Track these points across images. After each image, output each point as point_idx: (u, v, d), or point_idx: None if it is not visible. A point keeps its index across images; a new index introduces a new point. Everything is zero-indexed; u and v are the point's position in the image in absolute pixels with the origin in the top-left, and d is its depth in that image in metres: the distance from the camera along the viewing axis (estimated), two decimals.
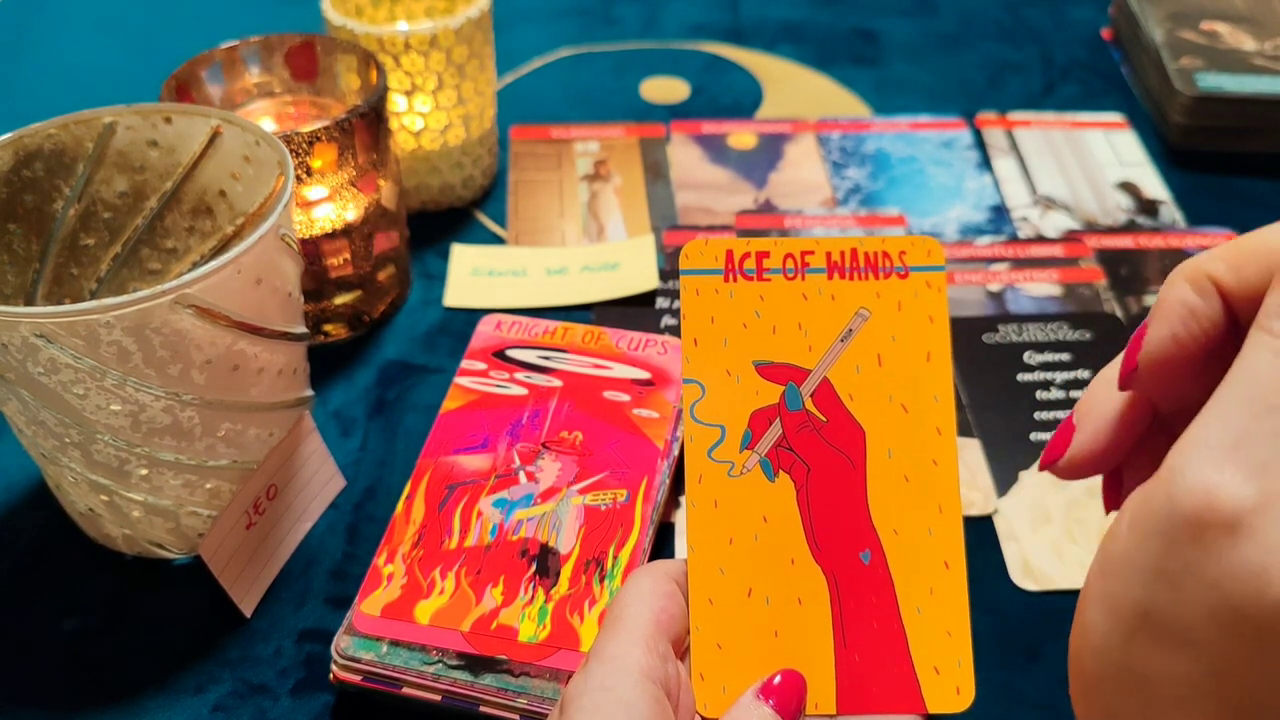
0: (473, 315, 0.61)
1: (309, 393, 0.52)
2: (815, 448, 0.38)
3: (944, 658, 0.37)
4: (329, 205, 0.58)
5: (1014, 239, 0.71)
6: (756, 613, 0.37)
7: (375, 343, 0.63)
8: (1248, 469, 0.24)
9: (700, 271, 0.39)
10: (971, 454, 0.56)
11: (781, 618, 0.37)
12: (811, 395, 0.38)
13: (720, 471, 0.38)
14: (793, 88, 0.86)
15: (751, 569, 0.37)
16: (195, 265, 0.54)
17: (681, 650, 0.37)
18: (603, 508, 0.48)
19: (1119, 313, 0.65)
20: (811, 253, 0.38)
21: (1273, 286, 0.26)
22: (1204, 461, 0.25)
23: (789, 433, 0.38)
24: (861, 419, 0.38)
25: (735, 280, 0.38)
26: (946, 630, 0.37)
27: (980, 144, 0.79)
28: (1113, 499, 0.33)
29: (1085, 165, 0.77)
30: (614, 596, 0.36)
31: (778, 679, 0.36)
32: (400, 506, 0.48)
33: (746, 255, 0.38)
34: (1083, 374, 0.61)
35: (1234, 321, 0.29)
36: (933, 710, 0.37)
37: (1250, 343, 0.26)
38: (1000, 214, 0.73)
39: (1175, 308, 0.29)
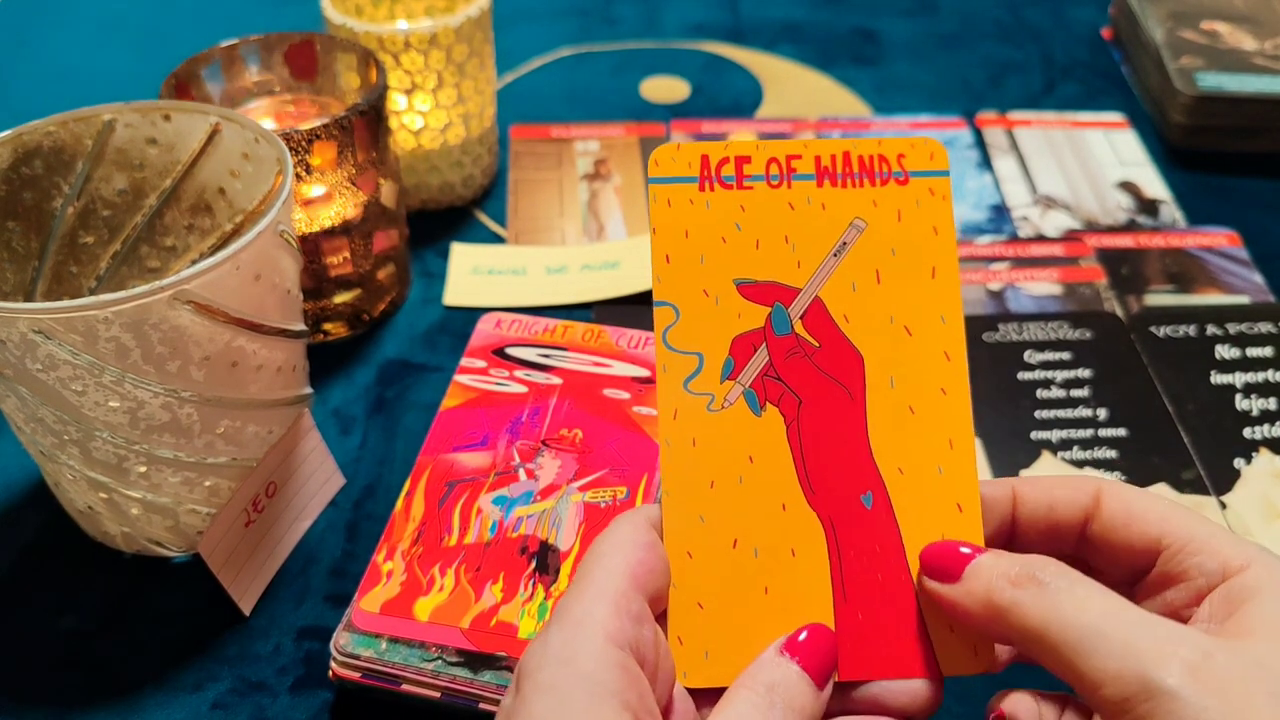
0: (472, 314, 0.61)
1: (308, 390, 0.52)
2: (807, 377, 0.33)
3: None
4: (328, 203, 0.58)
5: (1014, 238, 0.71)
6: (743, 566, 0.33)
7: (375, 341, 0.63)
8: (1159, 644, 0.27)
9: (672, 180, 0.34)
10: None
11: (772, 571, 0.33)
12: (801, 317, 0.34)
13: (698, 405, 0.33)
14: (793, 87, 0.86)
15: (736, 516, 0.33)
16: (194, 263, 0.54)
17: (662, 607, 0.33)
18: (603, 505, 0.48)
19: (1119, 312, 0.65)
20: (799, 157, 0.34)
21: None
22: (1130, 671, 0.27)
23: (776, 360, 0.33)
24: (859, 343, 0.33)
25: (712, 189, 0.34)
26: None
27: (980, 143, 0.79)
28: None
29: (1085, 165, 0.77)
30: (591, 545, 0.32)
31: (804, 634, 0.32)
32: (400, 504, 0.48)
33: (725, 160, 0.34)
34: (1083, 373, 0.60)
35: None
36: (948, 673, 0.33)
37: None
38: (1001, 213, 0.73)
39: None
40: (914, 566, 0.33)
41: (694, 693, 0.32)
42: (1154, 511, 0.32)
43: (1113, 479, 0.34)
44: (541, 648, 0.29)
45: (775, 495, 0.33)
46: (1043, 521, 0.34)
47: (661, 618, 0.33)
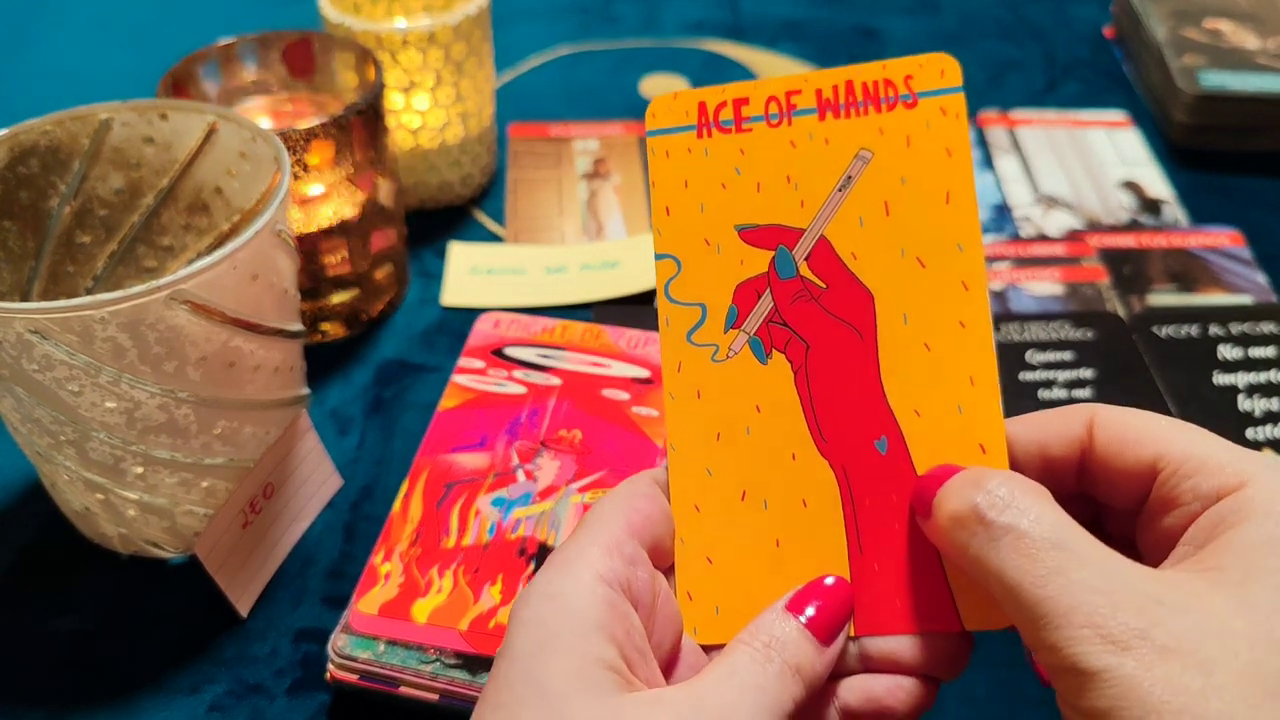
0: (471, 314, 0.60)
1: (305, 391, 0.52)
2: (814, 320, 0.32)
3: None
4: (326, 203, 0.58)
5: (1016, 238, 0.70)
6: (753, 519, 0.31)
7: (373, 341, 0.63)
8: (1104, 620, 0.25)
9: (669, 130, 0.33)
10: None
11: (783, 523, 0.31)
12: (806, 258, 0.32)
13: (703, 356, 0.32)
14: None
15: (745, 468, 0.32)
16: (191, 263, 0.53)
17: (667, 561, 0.32)
18: None
19: (1121, 312, 0.65)
20: (798, 92, 0.32)
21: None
22: (1089, 646, 0.25)
23: (781, 305, 0.32)
24: (868, 281, 0.32)
25: (710, 135, 0.33)
26: None
27: (982, 142, 0.79)
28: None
29: (1088, 164, 0.77)
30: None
31: (814, 589, 0.30)
32: (398, 505, 0.48)
33: (722, 105, 0.32)
34: (1085, 373, 0.60)
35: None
36: (970, 627, 0.31)
37: (971, 557, 0.28)
38: (1003, 213, 0.73)
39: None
40: None
41: (707, 649, 0.31)
42: (1150, 432, 0.30)
43: (1107, 404, 0.31)
44: (529, 588, 0.29)
45: (784, 445, 0.32)
46: (1037, 460, 0.31)
47: (670, 573, 0.32)
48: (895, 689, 0.31)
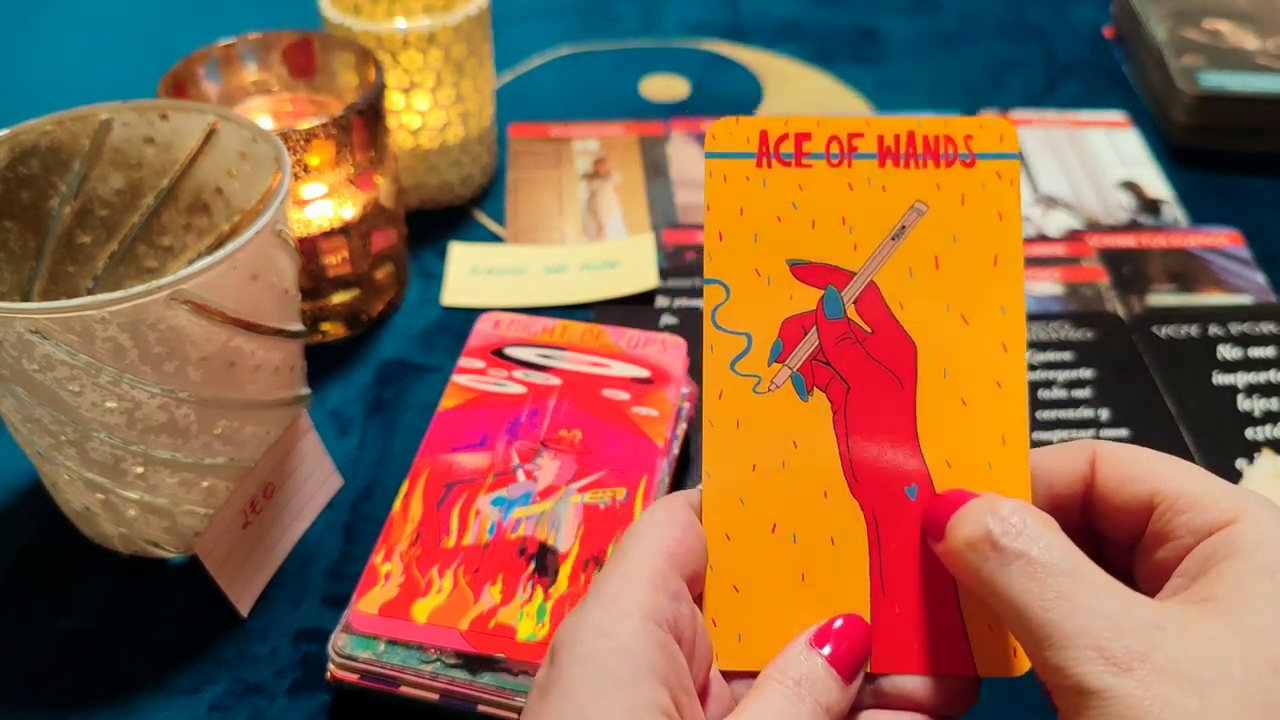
0: (471, 314, 0.60)
1: (306, 391, 0.52)
2: (857, 363, 0.32)
3: None
4: (327, 203, 0.58)
5: None
6: (781, 552, 0.32)
7: (373, 341, 0.63)
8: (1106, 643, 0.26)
9: (729, 155, 0.33)
10: None
11: (810, 558, 0.32)
12: (855, 302, 0.33)
13: (745, 386, 0.32)
14: (793, 86, 0.86)
15: (777, 501, 0.32)
16: (192, 263, 0.53)
17: (699, 589, 0.32)
18: (602, 506, 0.48)
19: (1121, 312, 0.65)
20: (860, 135, 0.33)
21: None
22: (1088, 666, 0.26)
23: (827, 344, 0.32)
24: (913, 331, 0.32)
25: (769, 166, 0.33)
26: None
27: None
28: None
29: (1087, 164, 0.77)
30: (627, 528, 0.32)
31: (838, 623, 0.31)
32: (398, 505, 0.48)
33: (784, 137, 0.33)
34: (1085, 373, 0.60)
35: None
36: (984, 674, 0.32)
37: (984, 580, 0.29)
38: None
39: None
40: None
41: (727, 675, 0.32)
42: (1147, 469, 0.31)
43: (1109, 440, 0.32)
44: (578, 621, 0.29)
45: (818, 482, 0.32)
46: (1045, 494, 0.32)
47: (699, 600, 0.32)
48: None
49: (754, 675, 0.31)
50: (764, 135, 0.33)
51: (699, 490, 0.33)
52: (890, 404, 0.32)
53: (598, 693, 0.27)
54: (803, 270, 0.33)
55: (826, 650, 0.31)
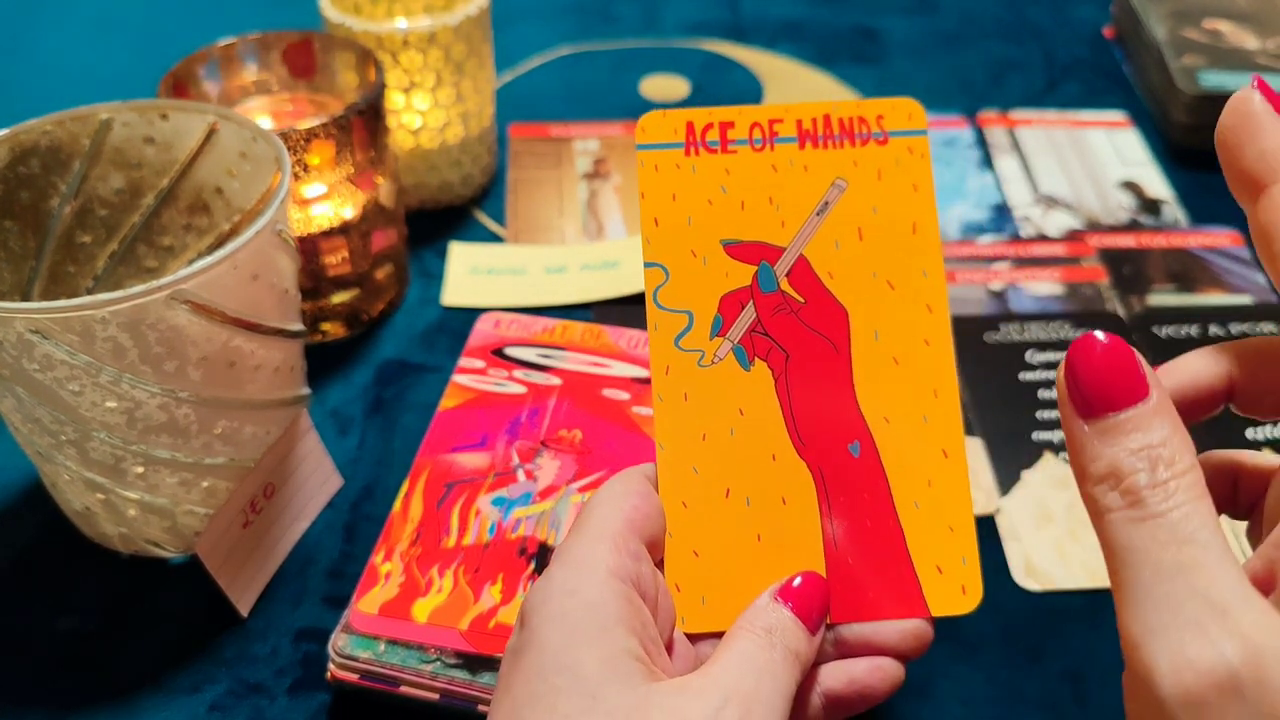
0: (471, 314, 0.60)
1: (306, 391, 0.52)
2: (793, 331, 0.34)
3: (946, 555, 0.33)
4: (327, 203, 0.58)
5: (1016, 238, 0.71)
6: (736, 515, 0.34)
7: (373, 341, 0.63)
8: (1206, 629, 0.23)
9: (659, 146, 0.35)
10: (974, 453, 0.56)
11: (764, 519, 0.34)
12: (787, 275, 0.35)
13: (689, 361, 0.34)
14: (793, 86, 0.86)
15: (728, 467, 0.34)
16: (192, 263, 0.53)
17: (659, 555, 0.34)
18: None
19: (1121, 312, 0.65)
20: (780, 121, 0.35)
21: (1099, 472, 0.26)
22: (1167, 649, 0.24)
23: (764, 316, 0.34)
24: (843, 298, 0.35)
25: (697, 153, 0.35)
26: (948, 525, 0.34)
27: (982, 142, 0.79)
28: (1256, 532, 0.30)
29: (1087, 164, 0.77)
30: (587, 501, 0.33)
31: (798, 580, 0.33)
32: (398, 505, 0.48)
33: (709, 126, 0.35)
34: None
35: None
36: (937, 613, 0.34)
37: (1102, 523, 0.26)
38: (1002, 213, 0.73)
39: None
40: (901, 512, 0.34)
41: (692, 637, 0.34)
42: None
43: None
44: (545, 585, 0.30)
45: (766, 446, 0.34)
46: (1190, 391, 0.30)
47: (660, 566, 0.33)
48: (874, 670, 0.33)
49: (718, 636, 0.33)
50: (690, 126, 0.35)
51: (654, 464, 0.34)
52: (828, 368, 0.34)
53: (570, 644, 0.29)
54: (736, 249, 0.35)
55: (789, 605, 0.32)
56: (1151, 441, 0.25)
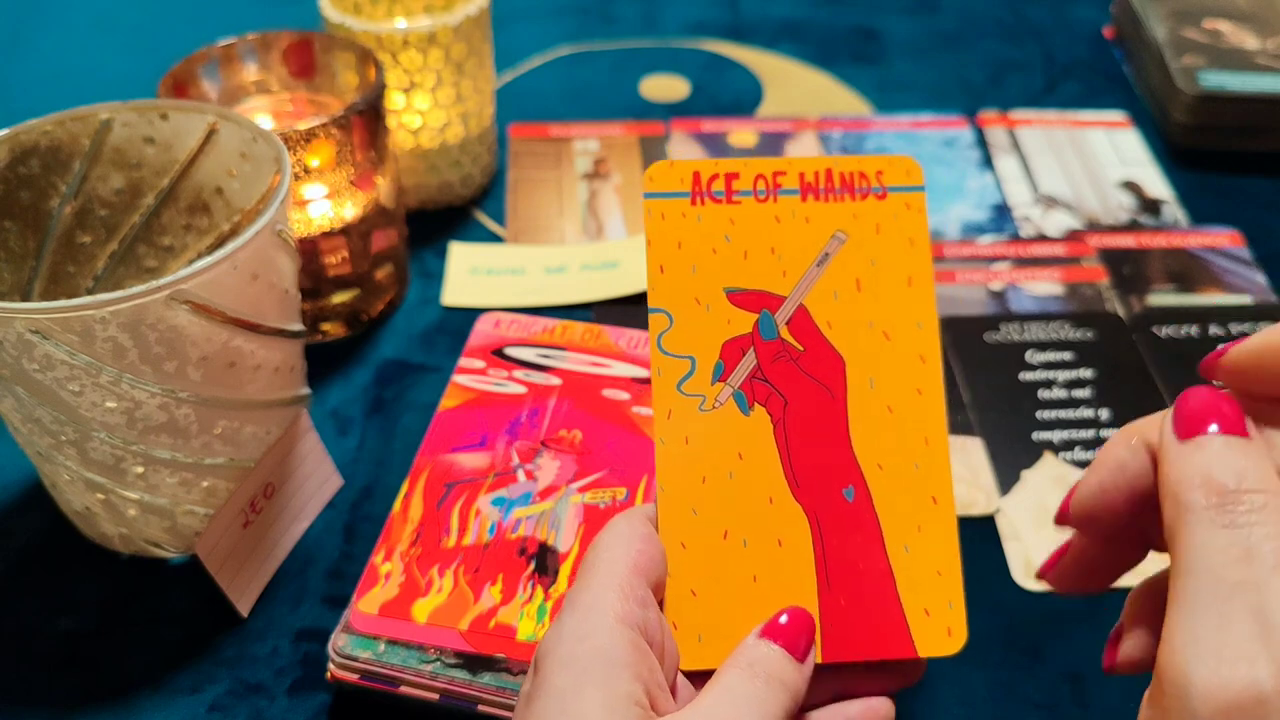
0: (471, 314, 0.60)
1: (306, 391, 0.52)
2: (792, 378, 0.36)
3: (934, 598, 0.35)
4: (327, 203, 0.58)
5: (1016, 238, 0.71)
6: (733, 556, 0.35)
7: (373, 341, 0.63)
8: (1249, 649, 0.24)
9: (665, 195, 0.36)
10: (974, 453, 0.56)
11: (760, 560, 0.35)
12: (787, 323, 0.36)
13: (691, 406, 0.35)
14: (793, 86, 0.86)
15: (727, 509, 0.35)
16: (192, 263, 0.53)
17: (663, 594, 0.35)
18: (602, 506, 0.48)
19: (1121, 312, 0.65)
20: (784, 173, 0.36)
21: (1170, 467, 0.27)
22: (1206, 661, 0.24)
23: (764, 363, 0.36)
24: (840, 347, 0.36)
25: (703, 203, 0.36)
26: (936, 569, 0.35)
27: (982, 143, 0.79)
28: (1113, 654, 0.32)
29: (1087, 164, 0.77)
30: (591, 543, 0.34)
31: (784, 618, 0.34)
32: (398, 505, 0.48)
33: (715, 177, 0.36)
34: (1085, 373, 0.60)
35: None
36: (923, 654, 0.35)
37: (1182, 522, 0.26)
38: (1002, 213, 0.73)
39: (1107, 461, 0.30)
40: (892, 555, 0.35)
41: (690, 675, 0.35)
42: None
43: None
44: (556, 631, 0.31)
45: (763, 489, 0.35)
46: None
47: (661, 606, 0.35)
48: (867, 711, 0.35)
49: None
50: (696, 176, 0.36)
51: (655, 505, 0.35)
52: (824, 414, 0.36)
53: (577, 689, 0.30)
54: (738, 297, 0.36)
55: (774, 640, 0.33)
56: (1244, 463, 0.26)
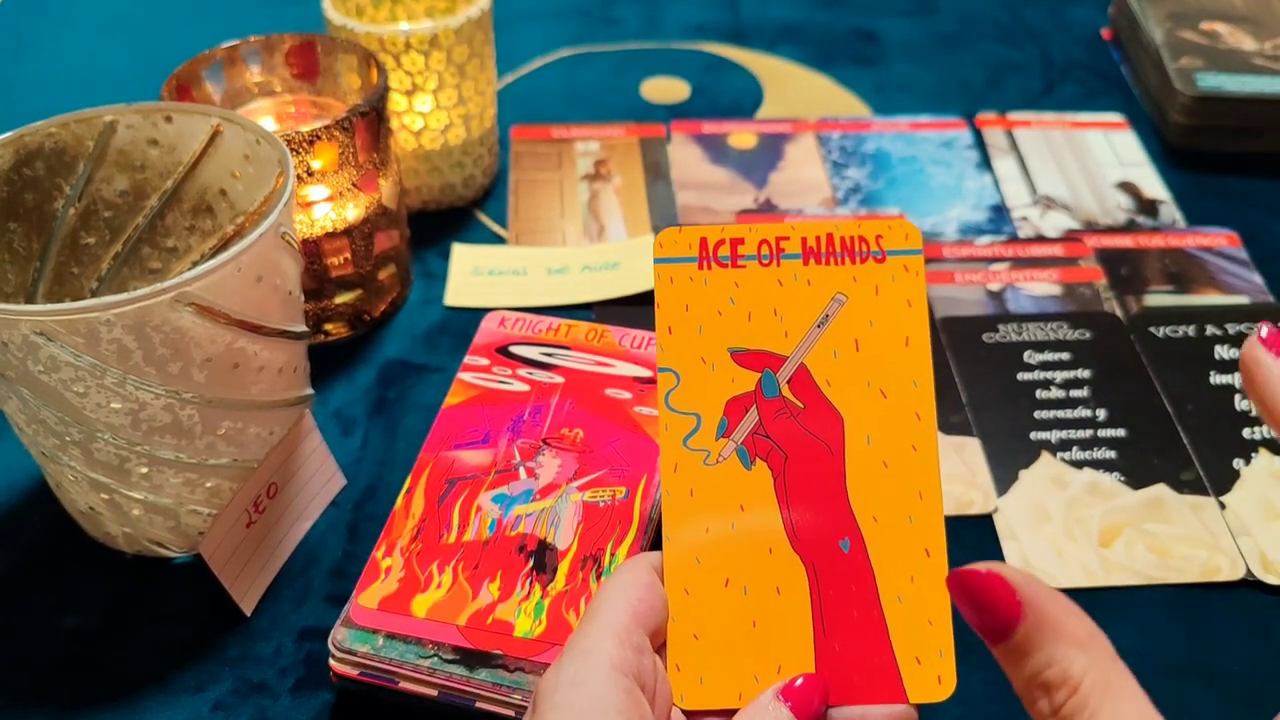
0: (473, 315, 0.61)
1: (309, 391, 0.52)
2: (792, 435, 0.37)
3: (925, 647, 0.36)
4: (329, 205, 0.58)
5: (1014, 238, 0.71)
6: (734, 603, 0.36)
7: (376, 342, 0.63)
8: None
9: (674, 260, 0.38)
10: (972, 453, 0.56)
11: (760, 608, 0.36)
12: (788, 382, 0.37)
13: (696, 460, 0.37)
14: (793, 88, 0.86)
15: (728, 559, 0.37)
16: (196, 264, 0.54)
17: (662, 640, 0.36)
18: (601, 504, 0.48)
19: (1119, 312, 0.65)
20: (787, 238, 0.38)
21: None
22: None
23: (766, 420, 0.37)
24: (839, 405, 0.37)
25: (709, 268, 0.38)
26: (928, 619, 0.36)
27: (980, 144, 0.79)
28: None
29: (1085, 165, 0.77)
30: (600, 587, 0.36)
31: (799, 681, 0.35)
32: (400, 500, 0.48)
33: (721, 242, 0.38)
34: (1082, 373, 0.61)
35: None
36: (914, 700, 0.36)
37: None
38: (1000, 214, 0.73)
39: None
40: (886, 605, 0.36)
41: (690, 715, 0.36)
42: None
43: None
44: (555, 674, 0.33)
45: (763, 540, 0.37)
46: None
47: (662, 649, 0.36)
48: (890, 716, 0.36)
49: (715, 714, 0.36)
50: (704, 242, 0.38)
51: (660, 553, 0.37)
52: (823, 470, 0.37)
53: None
54: (742, 356, 0.38)
55: (789, 704, 0.35)
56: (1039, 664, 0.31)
